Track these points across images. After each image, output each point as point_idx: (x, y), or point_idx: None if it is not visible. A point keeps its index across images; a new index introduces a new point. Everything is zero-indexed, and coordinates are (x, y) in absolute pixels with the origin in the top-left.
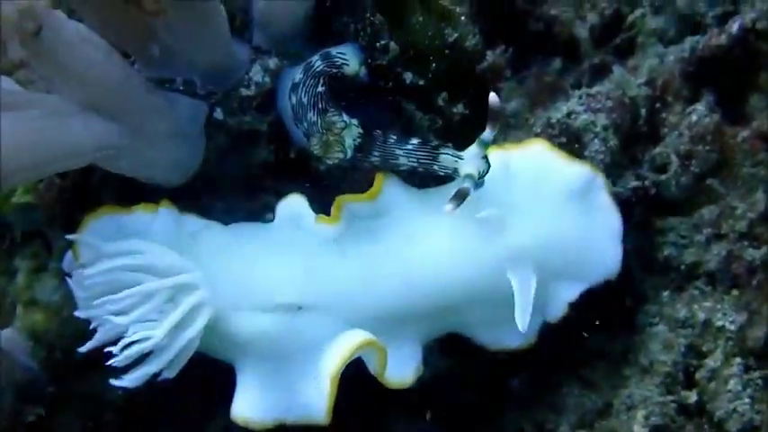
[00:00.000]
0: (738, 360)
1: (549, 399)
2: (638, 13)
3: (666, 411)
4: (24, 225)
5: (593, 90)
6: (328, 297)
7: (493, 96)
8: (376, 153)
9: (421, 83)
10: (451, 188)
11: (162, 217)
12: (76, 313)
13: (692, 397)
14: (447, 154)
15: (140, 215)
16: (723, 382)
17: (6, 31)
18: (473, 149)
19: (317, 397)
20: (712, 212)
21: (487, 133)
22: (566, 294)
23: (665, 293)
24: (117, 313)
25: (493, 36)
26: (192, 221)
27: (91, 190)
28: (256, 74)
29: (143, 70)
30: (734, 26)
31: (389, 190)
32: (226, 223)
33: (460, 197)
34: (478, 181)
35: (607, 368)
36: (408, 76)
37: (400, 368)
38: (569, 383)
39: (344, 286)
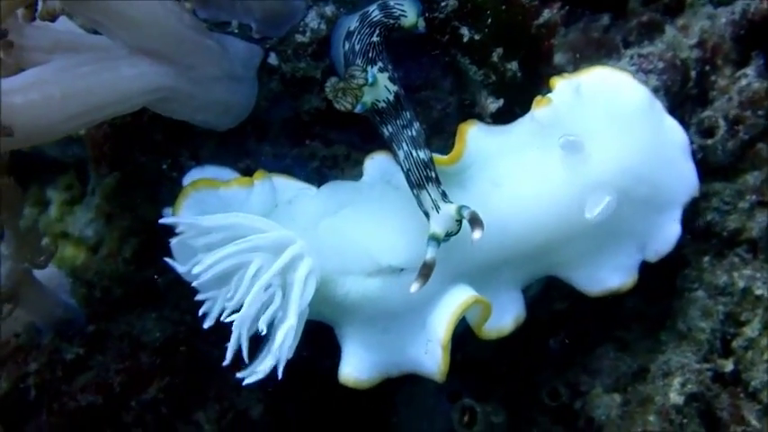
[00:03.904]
0: None
1: (583, 360)
2: None
3: (702, 379)
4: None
5: (645, 50)
6: None
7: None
8: (389, 128)
9: (477, 37)
10: (525, 122)
11: (258, 188)
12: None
13: (729, 366)
14: (429, 195)
15: (237, 189)
16: (760, 352)
17: None
18: (450, 210)
19: (429, 360)
20: (757, 179)
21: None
22: (668, 225)
23: (706, 259)
24: (235, 305)
25: None
26: (287, 188)
27: (141, 129)
28: (312, 20)
29: (198, 12)
30: None
31: (470, 145)
32: (275, 168)
33: (425, 274)
34: (444, 239)
35: (643, 331)
36: (465, 31)
37: (497, 318)
38: (605, 345)
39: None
